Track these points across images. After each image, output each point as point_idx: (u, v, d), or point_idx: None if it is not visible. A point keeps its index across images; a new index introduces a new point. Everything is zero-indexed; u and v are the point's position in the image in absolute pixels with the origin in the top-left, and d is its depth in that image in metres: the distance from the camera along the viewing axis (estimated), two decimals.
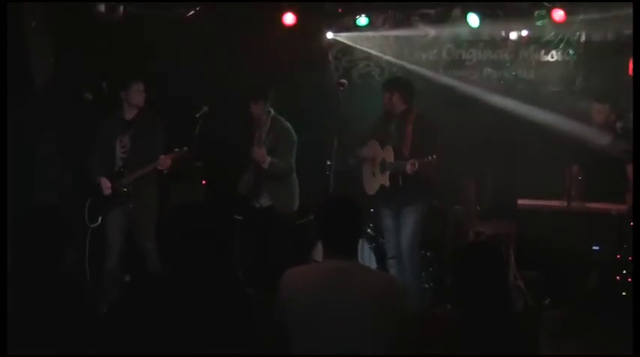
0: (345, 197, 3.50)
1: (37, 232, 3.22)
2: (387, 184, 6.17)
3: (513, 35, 7.55)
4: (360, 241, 6.28)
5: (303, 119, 6.87)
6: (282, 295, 3.24)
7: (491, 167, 7.17)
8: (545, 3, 6.98)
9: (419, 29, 7.67)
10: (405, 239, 6.20)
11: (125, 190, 6.17)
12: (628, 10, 5.95)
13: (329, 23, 7.88)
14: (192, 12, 7.51)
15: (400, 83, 6.43)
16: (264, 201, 6.61)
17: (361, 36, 7.89)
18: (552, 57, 7.50)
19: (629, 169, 5.84)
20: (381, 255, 6.54)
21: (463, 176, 7.10)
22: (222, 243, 3.24)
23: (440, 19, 7.53)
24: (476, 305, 3.03)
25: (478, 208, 7.15)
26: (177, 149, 6.16)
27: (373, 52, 7.94)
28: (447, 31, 7.61)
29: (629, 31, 6.71)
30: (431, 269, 6.67)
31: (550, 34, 7.38)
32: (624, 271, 5.80)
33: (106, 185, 6.17)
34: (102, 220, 6.17)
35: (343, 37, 7.95)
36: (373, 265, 6.43)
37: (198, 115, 6.41)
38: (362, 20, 7.69)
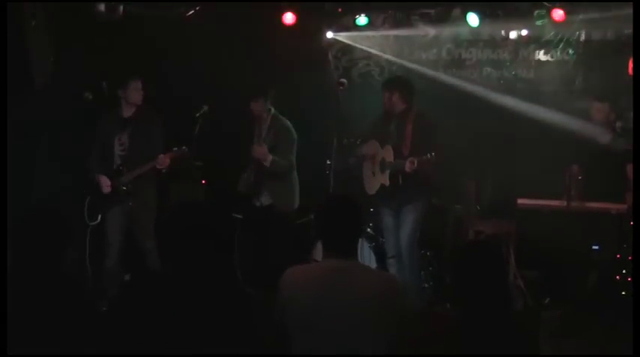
0: (344, 196, 3.50)
1: (37, 232, 3.22)
2: (387, 183, 6.17)
3: (513, 35, 7.55)
4: (360, 240, 6.28)
5: (302, 119, 6.86)
6: (282, 295, 3.24)
7: (491, 166, 7.17)
8: (545, 2, 6.98)
9: (419, 29, 7.67)
10: (404, 237, 6.21)
11: (124, 188, 6.18)
12: (628, 10, 5.95)
13: (329, 23, 7.88)
14: (192, 11, 7.51)
15: (400, 82, 6.43)
16: (265, 199, 6.61)
17: (361, 35, 7.89)
18: (552, 56, 7.49)
19: (629, 168, 5.85)
20: (380, 254, 6.54)
21: (463, 175, 7.11)
22: (221, 242, 3.24)
23: (440, 19, 7.53)
24: (475, 304, 3.04)
25: (478, 207, 7.16)
26: (176, 148, 6.17)
27: (373, 51, 7.95)
28: (446, 31, 7.61)
29: (628, 30, 6.71)
30: (430, 268, 6.67)
31: (550, 34, 7.38)
32: (624, 271, 5.82)
33: (106, 183, 6.19)
34: (101, 218, 6.18)
35: (343, 37, 7.95)
36: (373, 265, 6.43)
37: (198, 115, 6.42)
38: (362, 20, 7.69)
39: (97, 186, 6.20)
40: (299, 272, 3.31)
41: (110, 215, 6.22)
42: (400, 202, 6.22)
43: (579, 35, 7.34)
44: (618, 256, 5.86)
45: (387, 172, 6.16)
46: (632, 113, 5.99)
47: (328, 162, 6.41)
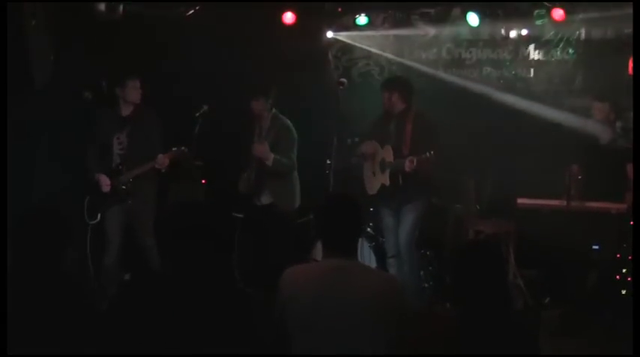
0: (344, 196, 3.50)
1: (37, 231, 3.23)
2: (388, 183, 6.17)
3: (513, 34, 7.55)
4: (360, 240, 6.28)
5: (302, 118, 6.86)
6: (282, 294, 3.24)
7: (491, 166, 7.17)
8: (545, 2, 6.98)
9: (419, 28, 7.67)
10: (403, 235, 6.21)
11: (124, 187, 6.19)
12: (628, 10, 5.95)
13: (329, 22, 7.89)
14: (192, 11, 7.52)
15: (399, 82, 6.44)
16: (265, 199, 6.60)
17: (361, 35, 7.89)
18: (552, 56, 7.49)
19: (629, 168, 5.86)
20: (380, 254, 6.54)
21: (463, 175, 7.10)
22: (221, 242, 3.25)
23: (440, 19, 7.54)
24: (475, 304, 3.04)
25: (478, 206, 7.15)
26: (175, 149, 6.17)
27: (373, 51, 7.95)
28: (446, 30, 7.61)
29: (628, 29, 6.71)
30: (430, 268, 6.67)
31: (550, 33, 7.38)
32: (624, 270, 5.82)
33: (105, 182, 6.19)
34: (101, 217, 6.19)
35: (343, 37, 7.96)
36: (373, 265, 6.43)
37: (198, 114, 6.42)
38: (362, 19, 7.70)
39: (97, 185, 6.20)
40: (299, 272, 3.31)
41: (110, 214, 6.23)
42: (400, 202, 6.22)
43: (579, 35, 7.34)
44: (618, 255, 5.86)
45: (388, 171, 6.17)
46: (632, 113, 5.99)
47: (328, 162, 6.40)
